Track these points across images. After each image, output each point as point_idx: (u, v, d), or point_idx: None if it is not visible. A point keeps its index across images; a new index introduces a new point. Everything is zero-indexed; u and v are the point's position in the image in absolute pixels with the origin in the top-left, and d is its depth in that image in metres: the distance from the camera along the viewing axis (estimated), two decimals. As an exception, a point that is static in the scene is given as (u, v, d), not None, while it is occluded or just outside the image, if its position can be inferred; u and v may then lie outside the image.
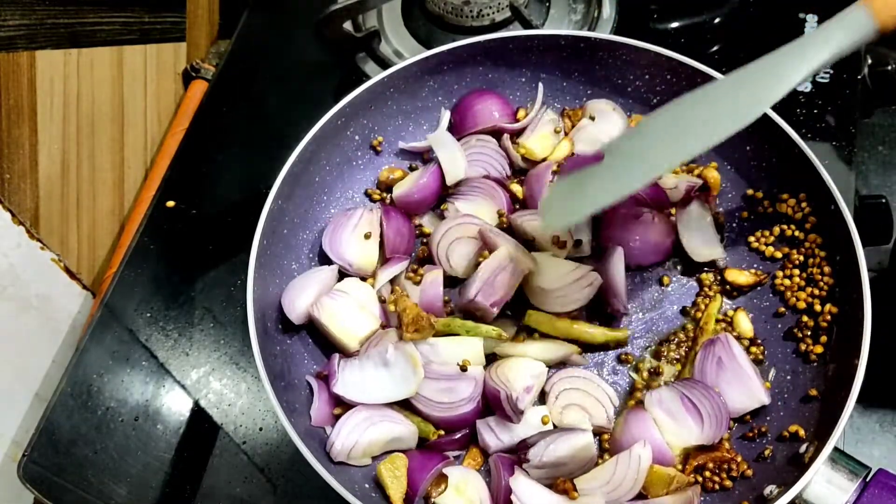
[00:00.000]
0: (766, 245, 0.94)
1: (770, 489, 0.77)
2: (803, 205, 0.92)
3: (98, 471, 0.93)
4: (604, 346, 0.91)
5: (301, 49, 1.25)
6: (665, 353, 0.91)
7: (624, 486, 0.79)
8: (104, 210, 1.23)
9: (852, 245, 0.83)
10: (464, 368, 0.85)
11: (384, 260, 0.96)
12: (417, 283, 0.93)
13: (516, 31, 1.02)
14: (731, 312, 0.92)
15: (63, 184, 1.16)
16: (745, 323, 0.90)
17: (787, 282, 0.90)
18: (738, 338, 0.89)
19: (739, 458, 0.82)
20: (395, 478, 0.80)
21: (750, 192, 0.96)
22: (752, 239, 0.95)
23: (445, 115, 1.03)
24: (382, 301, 0.93)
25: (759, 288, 0.93)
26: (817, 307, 0.87)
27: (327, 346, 0.92)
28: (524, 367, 0.85)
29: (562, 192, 0.81)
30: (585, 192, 0.75)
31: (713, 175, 0.96)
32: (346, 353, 0.89)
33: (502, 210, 0.97)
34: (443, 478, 0.82)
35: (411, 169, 1.04)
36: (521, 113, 1.03)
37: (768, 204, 0.95)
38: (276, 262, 0.93)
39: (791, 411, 0.84)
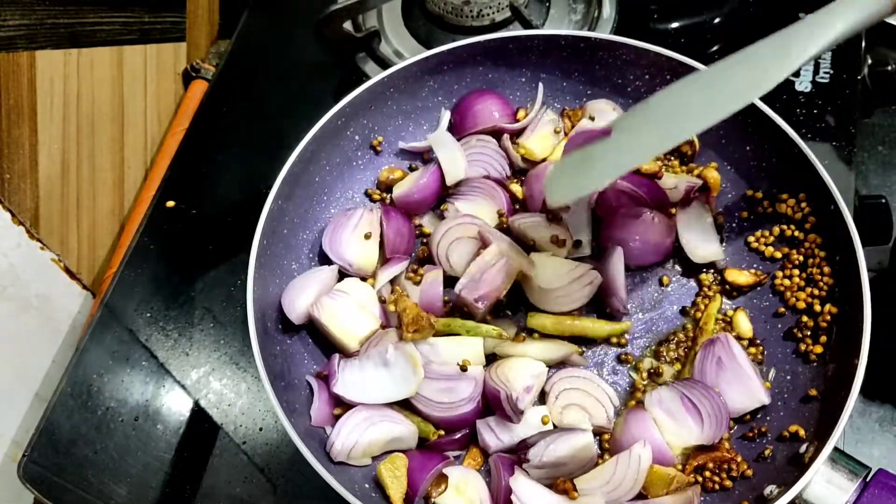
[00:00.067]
0: (766, 245, 0.94)
1: (770, 489, 0.77)
2: (803, 205, 0.92)
3: (98, 471, 0.93)
4: (605, 342, 0.92)
5: (301, 49, 1.25)
6: (665, 354, 0.91)
7: (624, 486, 0.79)
8: (104, 210, 1.23)
9: (852, 245, 0.83)
10: (464, 368, 0.85)
11: (384, 260, 0.96)
12: (417, 283, 0.93)
13: (516, 31, 1.02)
14: (730, 312, 0.92)
15: (63, 184, 1.16)
16: (744, 323, 0.90)
17: (786, 282, 0.90)
18: (738, 338, 0.88)
19: (739, 458, 0.82)
20: (395, 478, 0.80)
21: (750, 192, 0.96)
22: (751, 239, 0.95)
23: (445, 116, 1.03)
24: (382, 301, 0.93)
25: (758, 288, 0.93)
26: (817, 307, 0.87)
27: (327, 346, 0.92)
28: (524, 367, 0.85)
29: (568, 166, 0.79)
30: (592, 166, 0.74)
31: (713, 175, 0.96)
32: (346, 354, 0.89)
33: (502, 210, 0.97)
34: (443, 478, 0.82)
35: (411, 169, 1.04)
36: (521, 113, 1.03)
37: (768, 204, 0.95)
38: (276, 262, 0.93)
39: (791, 411, 0.84)
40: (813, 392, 0.83)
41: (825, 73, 1.14)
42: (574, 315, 0.91)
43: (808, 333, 0.87)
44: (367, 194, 1.03)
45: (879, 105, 1.15)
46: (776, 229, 0.93)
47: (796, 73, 1.15)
